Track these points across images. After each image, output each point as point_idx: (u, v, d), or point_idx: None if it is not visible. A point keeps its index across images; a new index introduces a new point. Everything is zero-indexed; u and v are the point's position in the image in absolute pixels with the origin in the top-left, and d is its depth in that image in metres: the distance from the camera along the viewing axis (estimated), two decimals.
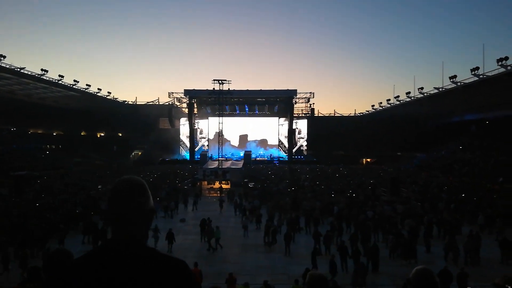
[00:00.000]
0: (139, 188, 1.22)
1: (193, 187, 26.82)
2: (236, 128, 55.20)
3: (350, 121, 55.20)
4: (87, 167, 38.00)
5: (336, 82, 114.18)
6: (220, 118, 37.71)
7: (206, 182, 29.12)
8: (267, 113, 55.31)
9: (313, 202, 18.78)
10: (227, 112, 53.51)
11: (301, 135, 54.41)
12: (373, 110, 53.73)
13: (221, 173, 29.40)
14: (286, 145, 52.45)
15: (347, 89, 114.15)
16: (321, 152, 50.49)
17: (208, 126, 53.61)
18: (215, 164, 33.91)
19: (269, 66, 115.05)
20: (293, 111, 50.23)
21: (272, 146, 55.48)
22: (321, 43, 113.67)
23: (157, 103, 56.35)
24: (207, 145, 53.65)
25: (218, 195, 23.92)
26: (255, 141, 56.09)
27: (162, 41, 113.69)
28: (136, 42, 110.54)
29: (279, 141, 54.53)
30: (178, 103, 52.47)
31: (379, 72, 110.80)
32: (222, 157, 35.44)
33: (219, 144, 37.17)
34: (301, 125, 53.78)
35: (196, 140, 52.59)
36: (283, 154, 52.65)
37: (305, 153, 53.31)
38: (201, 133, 54.41)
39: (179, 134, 54.19)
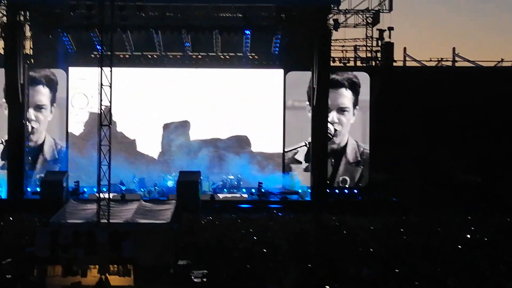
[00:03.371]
0: None
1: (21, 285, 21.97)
2: (155, 103, 46.81)
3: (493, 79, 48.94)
4: None
5: None
6: (105, 70, 27.69)
7: (59, 268, 23.04)
8: (251, 57, 47.83)
9: None
10: (127, 54, 46.75)
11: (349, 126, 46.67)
12: None
13: (105, 241, 23.54)
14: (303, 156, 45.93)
15: None
16: (410, 174, 44.49)
17: (68, 93, 45.65)
18: (89, 212, 27.27)
19: None
20: (329, 51, 43.54)
21: (268, 157, 46.65)
22: None
23: None
24: (62, 152, 45.70)
25: None
26: (209, 142, 46.74)
27: None
28: None
29: (285, 139, 46.84)
30: None
31: None
32: (109, 192, 27.01)
33: (99, 150, 27.20)
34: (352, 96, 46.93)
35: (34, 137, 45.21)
36: (299, 182, 45.14)
37: (363, 179, 45.93)
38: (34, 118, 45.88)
39: None
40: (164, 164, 45.08)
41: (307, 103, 44.38)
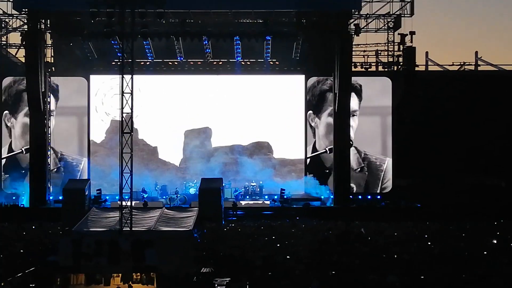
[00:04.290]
0: None
1: None
2: (176, 110, 46.12)
3: None
4: None
5: None
6: (127, 78, 27.41)
7: (82, 277, 22.96)
8: (271, 63, 47.12)
9: None
10: (149, 61, 46.43)
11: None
12: None
13: (128, 249, 22.93)
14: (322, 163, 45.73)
15: None
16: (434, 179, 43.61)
17: (89, 101, 45.36)
18: (112, 220, 27.00)
19: None
20: (350, 56, 42.89)
21: (290, 163, 46.34)
22: None
23: None
24: (86, 160, 45.39)
25: None
26: (230, 148, 46.36)
27: None
28: None
29: (307, 145, 46.41)
30: None
31: None
32: (132, 200, 26.73)
33: (121, 158, 26.88)
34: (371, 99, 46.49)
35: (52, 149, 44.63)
36: (321, 189, 44.52)
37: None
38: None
39: None
40: (186, 171, 44.77)
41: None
